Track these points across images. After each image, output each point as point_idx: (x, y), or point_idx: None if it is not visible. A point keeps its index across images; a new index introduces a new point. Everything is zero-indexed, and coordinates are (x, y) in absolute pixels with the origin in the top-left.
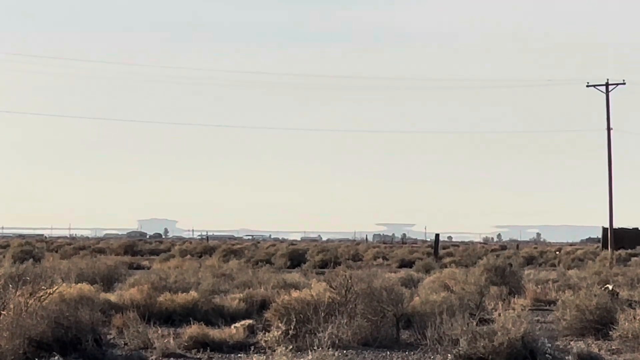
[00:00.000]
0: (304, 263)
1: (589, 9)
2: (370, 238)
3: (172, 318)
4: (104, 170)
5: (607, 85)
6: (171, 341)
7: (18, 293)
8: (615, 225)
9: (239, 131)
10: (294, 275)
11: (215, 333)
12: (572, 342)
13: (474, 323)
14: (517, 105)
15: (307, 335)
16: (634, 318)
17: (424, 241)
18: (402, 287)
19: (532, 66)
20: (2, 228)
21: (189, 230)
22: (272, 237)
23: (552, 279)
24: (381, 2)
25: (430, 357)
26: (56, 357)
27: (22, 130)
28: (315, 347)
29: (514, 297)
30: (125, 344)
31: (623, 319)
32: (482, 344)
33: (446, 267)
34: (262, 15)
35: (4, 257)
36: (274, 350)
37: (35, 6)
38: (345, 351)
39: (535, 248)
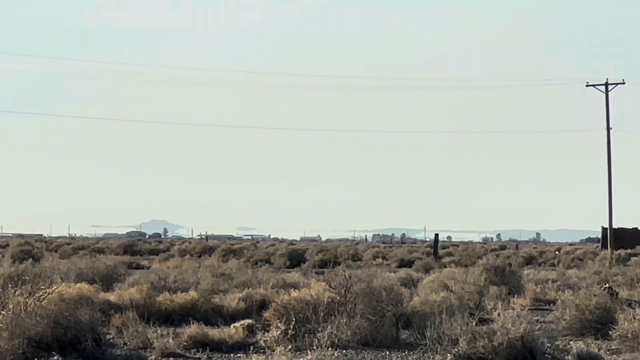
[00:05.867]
0: (304, 263)
1: (589, 8)
2: (369, 238)
3: (171, 318)
4: (104, 170)
5: (606, 85)
6: (170, 341)
7: (17, 293)
8: (615, 225)
9: (240, 131)
10: (294, 275)
11: (214, 333)
12: (571, 342)
13: (474, 323)
14: (517, 105)
15: (306, 335)
16: (634, 318)
17: (424, 241)
18: (402, 287)
19: (532, 66)
20: (2, 227)
21: (185, 229)
22: (271, 237)
23: (551, 279)
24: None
25: (429, 357)
26: (55, 357)
27: (22, 130)
28: (315, 347)
29: (514, 297)
30: (125, 343)
31: (623, 318)
32: (481, 344)
33: (445, 267)
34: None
35: (3, 256)
36: (274, 350)
37: (35, 6)
38: (344, 351)
39: (535, 248)
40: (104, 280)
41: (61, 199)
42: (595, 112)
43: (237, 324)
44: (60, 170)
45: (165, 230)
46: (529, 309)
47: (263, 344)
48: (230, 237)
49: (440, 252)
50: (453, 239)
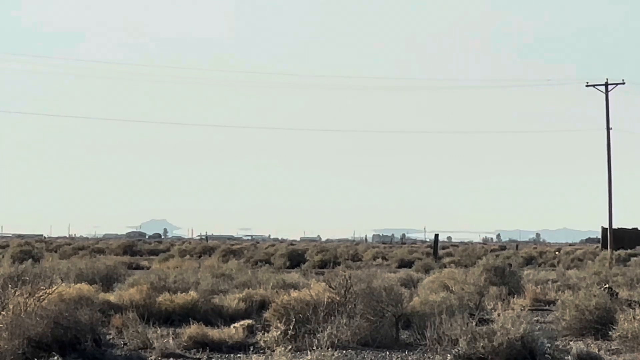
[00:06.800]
0: (304, 263)
1: (589, 8)
2: (369, 238)
3: (171, 318)
4: (104, 170)
5: (606, 85)
6: (170, 341)
7: (17, 293)
8: (615, 225)
9: (239, 131)
10: (294, 276)
11: (214, 333)
12: (571, 342)
13: (474, 323)
14: (517, 105)
15: (306, 335)
16: (634, 318)
17: (424, 241)
18: (402, 287)
19: (532, 66)
20: (2, 227)
21: (185, 229)
22: (271, 237)
23: (551, 279)
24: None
25: (429, 357)
26: (55, 357)
27: (22, 130)
28: (315, 347)
29: (514, 297)
30: (125, 344)
31: (622, 319)
32: (481, 344)
33: (445, 267)
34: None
35: (3, 257)
36: (273, 351)
37: (35, 6)
38: (344, 351)
39: (535, 248)
40: (104, 280)
41: (61, 199)
42: (595, 112)
43: (237, 324)
44: (60, 170)
45: (165, 231)
46: (528, 310)
47: (263, 345)
48: (230, 238)
49: (440, 252)
50: (453, 239)
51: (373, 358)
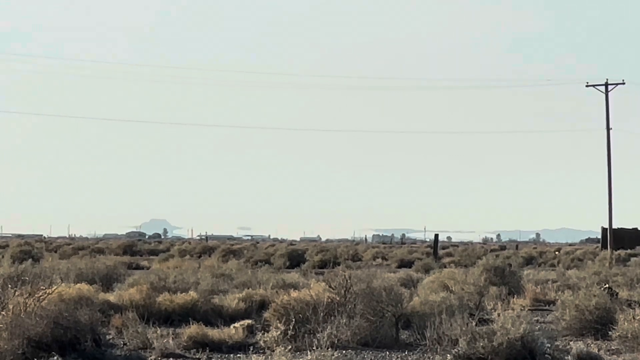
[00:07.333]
0: (303, 263)
1: (590, 8)
2: (369, 238)
3: (171, 318)
4: (104, 170)
5: (606, 85)
6: (170, 341)
7: (17, 293)
8: (615, 225)
9: (240, 131)
10: (293, 276)
11: (214, 333)
12: (571, 342)
13: (474, 323)
14: (517, 105)
15: (306, 335)
16: (634, 318)
17: (423, 241)
18: (402, 287)
19: (532, 66)
20: (2, 227)
21: (185, 229)
22: (271, 237)
23: (551, 279)
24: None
25: (429, 357)
26: (55, 357)
27: (22, 130)
28: (315, 348)
29: (514, 297)
30: (125, 344)
31: (622, 319)
32: (481, 344)
33: (445, 267)
34: (264, 14)
35: (3, 257)
36: (273, 351)
37: (35, 5)
38: (344, 351)
39: (535, 248)
40: (104, 280)
41: (61, 199)
42: (595, 112)
43: (237, 325)
44: (60, 171)
45: (165, 231)
46: (528, 310)
47: (263, 345)
48: (230, 238)
49: (440, 252)
50: (453, 239)
51: (373, 358)
